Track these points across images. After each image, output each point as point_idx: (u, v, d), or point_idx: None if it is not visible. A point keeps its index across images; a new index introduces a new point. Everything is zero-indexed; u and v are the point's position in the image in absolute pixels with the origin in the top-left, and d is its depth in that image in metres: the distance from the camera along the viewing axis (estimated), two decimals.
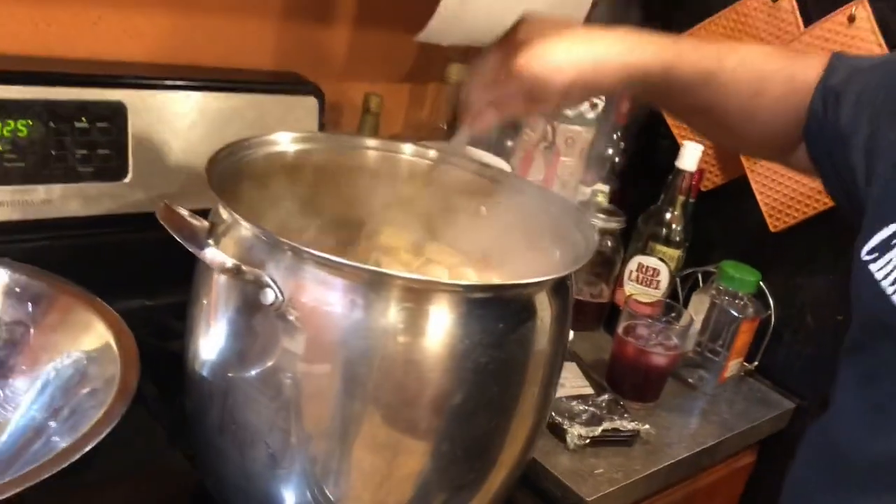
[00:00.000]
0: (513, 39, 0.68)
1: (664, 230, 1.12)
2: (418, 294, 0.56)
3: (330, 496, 0.62)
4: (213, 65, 1.01)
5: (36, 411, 0.66)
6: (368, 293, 0.56)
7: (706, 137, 0.97)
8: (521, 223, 0.75)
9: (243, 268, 0.55)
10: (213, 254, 0.55)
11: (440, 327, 0.57)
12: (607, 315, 1.17)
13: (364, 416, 0.59)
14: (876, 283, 0.56)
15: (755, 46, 0.86)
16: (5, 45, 0.87)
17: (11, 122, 0.82)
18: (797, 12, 1.07)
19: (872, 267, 0.56)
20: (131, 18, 0.94)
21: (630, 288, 1.13)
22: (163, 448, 0.78)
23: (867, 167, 0.62)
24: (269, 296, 0.56)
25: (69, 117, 0.85)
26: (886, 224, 0.56)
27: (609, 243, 1.14)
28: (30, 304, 0.73)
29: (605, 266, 1.15)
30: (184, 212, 0.59)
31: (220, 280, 0.62)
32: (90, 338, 0.69)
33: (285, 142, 0.74)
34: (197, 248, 0.55)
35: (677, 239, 1.12)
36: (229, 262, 0.55)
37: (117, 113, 0.89)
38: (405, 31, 1.14)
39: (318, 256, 0.55)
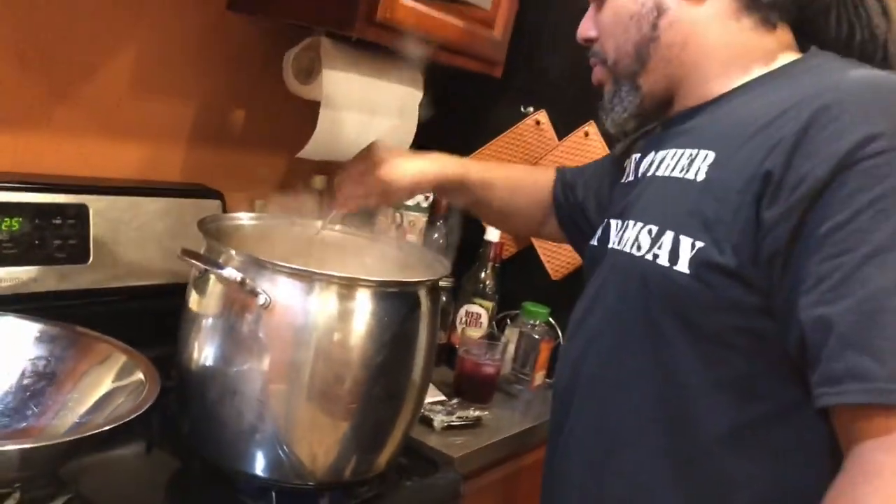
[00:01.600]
0: (369, 155, 1.12)
1: (481, 286, 1.55)
2: (351, 287, 0.93)
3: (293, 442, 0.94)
4: (142, 178, 1.33)
5: (84, 416, 0.92)
6: (319, 288, 0.92)
7: (489, 223, 1.41)
8: (396, 265, 1.13)
9: (247, 280, 0.89)
10: (229, 272, 0.88)
11: (365, 309, 0.93)
12: (446, 354, 1.56)
13: (318, 372, 0.92)
14: (591, 244, 0.99)
15: (512, 164, 1.37)
16: None
17: (8, 219, 1.10)
18: (553, 131, 1.58)
19: (592, 242, 1.00)
20: (82, 145, 1.25)
21: (461, 328, 1.53)
22: (143, 454, 1.04)
23: (599, 218, 1.08)
24: (262, 299, 0.90)
25: (49, 215, 1.14)
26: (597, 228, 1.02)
27: (444, 298, 1.54)
28: (50, 343, 0.99)
29: (443, 316, 1.55)
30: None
31: (207, 322, 0.95)
32: (109, 360, 0.97)
33: (245, 218, 1.10)
34: (218, 269, 0.89)
35: (490, 292, 1.55)
36: (239, 276, 0.88)
37: (82, 213, 1.18)
38: (279, 151, 1.53)
39: (289, 267, 0.90)
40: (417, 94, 1.54)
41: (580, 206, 1.16)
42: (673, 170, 0.84)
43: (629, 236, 0.86)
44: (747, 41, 0.85)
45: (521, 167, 1.37)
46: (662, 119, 0.94)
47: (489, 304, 1.55)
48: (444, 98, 1.60)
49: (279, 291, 0.91)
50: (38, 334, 1.00)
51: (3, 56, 1.12)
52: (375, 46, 1.35)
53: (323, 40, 1.36)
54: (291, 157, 1.45)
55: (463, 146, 1.34)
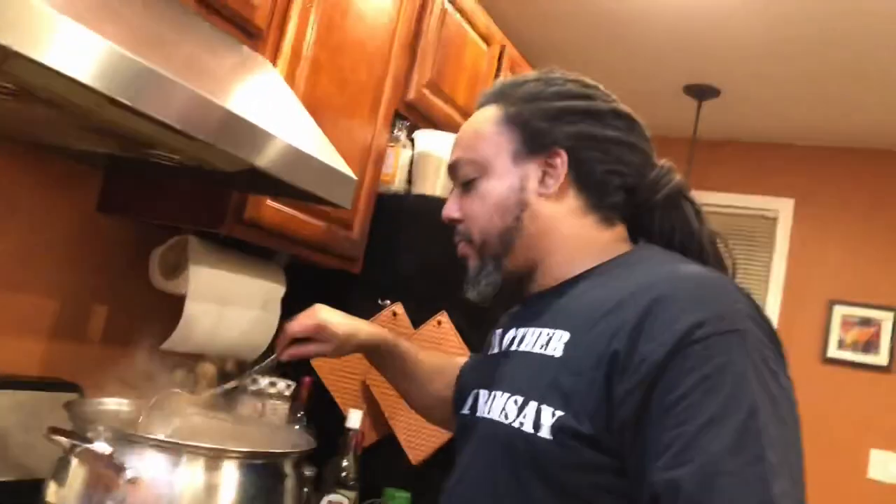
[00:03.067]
0: (309, 312, 1.20)
1: (343, 475, 1.57)
2: (218, 459, 0.96)
3: None
4: None
5: None
6: (187, 459, 0.94)
7: (406, 398, 1.47)
8: (261, 445, 1.17)
9: (115, 454, 0.90)
10: (100, 445, 0.90)
11: (232, 480, 0.96)
12: None
13: None
14: (461, 412, 1.06)
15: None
16: None
17: None
18: (408, 321, 1.70)
19: (463, 411, 1.07)
20: None
21: None
22: None
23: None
24: (129, 473, 0.91)
25: None
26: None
27: (306, 489, 1.55)
28: None
29: None
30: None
31: None
32: None
33: (110, 403, 1.11)
34: (88, 443, 0.90)
35: (352, 482, 1.58)
36: (108, 449, 0.90)
37: None
38: (142, 345, 1.55)
39: (158, 440, 0.93)
40: (280, 289, 1.63)
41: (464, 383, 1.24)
42: (534, 346, 0.95)
43: (497, 405, 0.95)
44: (591, 235, 1.00)
45: (443, 355, 1.47)
46: (520, 294, 1.06)
47: (351, 494, 1.57)
48: (307, 292, 1.70)
49: (146, 465, 0.93)
50: None
51: None
52: (241, 243, 1.46)
53: (190, 238, 1.45)
54: (154, 350, 1.47)
55: None
